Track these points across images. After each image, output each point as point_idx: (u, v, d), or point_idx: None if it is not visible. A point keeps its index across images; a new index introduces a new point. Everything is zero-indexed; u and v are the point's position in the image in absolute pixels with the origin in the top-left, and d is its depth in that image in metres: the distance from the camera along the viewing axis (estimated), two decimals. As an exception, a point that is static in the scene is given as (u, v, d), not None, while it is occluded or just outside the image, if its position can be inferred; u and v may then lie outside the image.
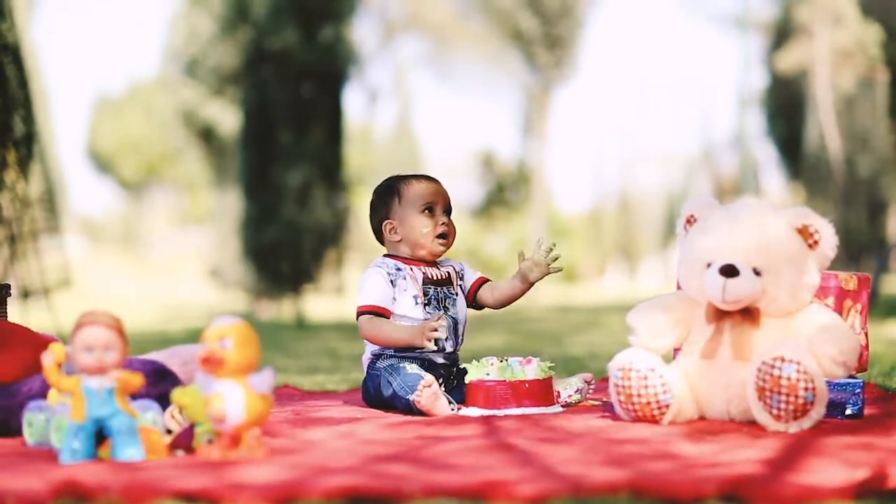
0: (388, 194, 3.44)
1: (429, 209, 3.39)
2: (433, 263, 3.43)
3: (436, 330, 3.19)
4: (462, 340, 3.42)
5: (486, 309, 3.53)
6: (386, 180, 3.51)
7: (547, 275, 3.41)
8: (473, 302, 3.48)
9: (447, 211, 3.43)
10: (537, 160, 20.18)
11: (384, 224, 3.43)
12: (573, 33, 18.53)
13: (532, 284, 3.41)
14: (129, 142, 34.83)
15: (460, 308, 3.42)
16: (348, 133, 13.74)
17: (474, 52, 26.20)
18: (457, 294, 3.42)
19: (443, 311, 3.33)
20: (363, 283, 3.36)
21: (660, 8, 65.95)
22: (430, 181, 3.45)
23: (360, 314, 3.33)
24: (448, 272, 3.43)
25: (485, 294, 3.47)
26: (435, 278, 3.39)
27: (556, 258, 3.40)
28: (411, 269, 3.37)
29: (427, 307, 3.34)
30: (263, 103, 12.67)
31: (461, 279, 3.47)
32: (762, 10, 22.11)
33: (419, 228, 3.37)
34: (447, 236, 3.41)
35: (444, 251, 3.43)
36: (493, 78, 27.32)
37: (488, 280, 3.50)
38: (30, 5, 20.83)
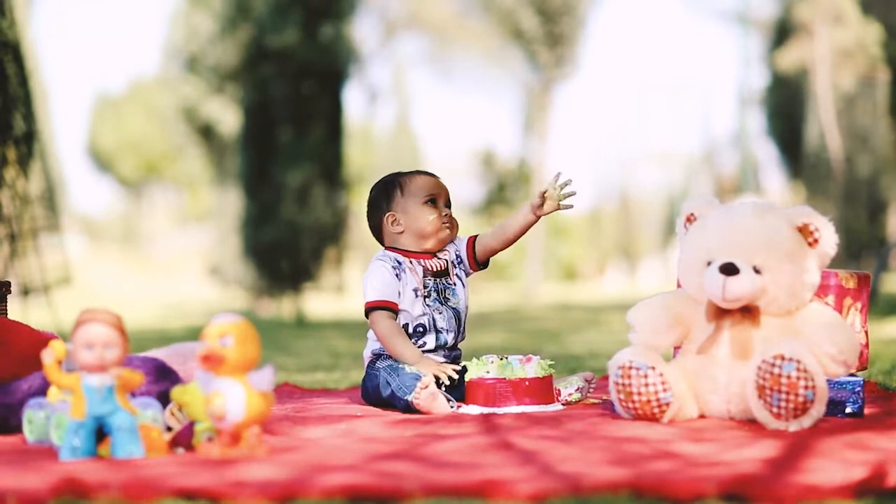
0: (390, 187, 3.45)
1: (431, 201, 3.40)
2: (433, 255, 3.43)
3: (446, 373, 3.21)
4: (463, 332, 3.43)
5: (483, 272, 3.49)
6: (384, 177, 3.51)
7: (557, 210, 3.35)
8: (477, 263, 3.45)
9: (447, 205, 3.44)
10: (538, 159, 20.13)
11: (386, 216, 3.43)
12: (574, 32, 18.49)
13: (538, 218, 3.36)
14: (129, 140, 34.81)
15: (461, 298, 3.42)
16: (348, 131, 13.73)
17: (475, 51, 26.17)
18: (455, 284, 3.42)
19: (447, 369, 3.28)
20: (368, 277, 3.36)
21: (660, 7, 65.97)
22: (432, 175, 3.46)
23: (369, 309, 3.33)
24: (446, 261, 3.43)
25: (484, 243, 3.44)
26: (434, 269, 3.39)
27: (570, 195, 3.34)
28: (411, 262, 3.38)
29: (427, 299, 3.34)
30: (264, 101, 12.66)
31: (460, 263, 3.46)
32: (762, 8, 22.13)
33: (424, 218, 3.37)
34: (451, 227, 3.42)
35: (451, 237, 3.43)
36: (493, 76, 27.30)
37: (478, 234, 3.48)
38: (29, 3, 20.81)
